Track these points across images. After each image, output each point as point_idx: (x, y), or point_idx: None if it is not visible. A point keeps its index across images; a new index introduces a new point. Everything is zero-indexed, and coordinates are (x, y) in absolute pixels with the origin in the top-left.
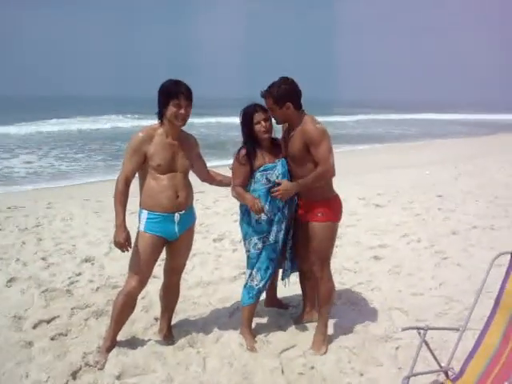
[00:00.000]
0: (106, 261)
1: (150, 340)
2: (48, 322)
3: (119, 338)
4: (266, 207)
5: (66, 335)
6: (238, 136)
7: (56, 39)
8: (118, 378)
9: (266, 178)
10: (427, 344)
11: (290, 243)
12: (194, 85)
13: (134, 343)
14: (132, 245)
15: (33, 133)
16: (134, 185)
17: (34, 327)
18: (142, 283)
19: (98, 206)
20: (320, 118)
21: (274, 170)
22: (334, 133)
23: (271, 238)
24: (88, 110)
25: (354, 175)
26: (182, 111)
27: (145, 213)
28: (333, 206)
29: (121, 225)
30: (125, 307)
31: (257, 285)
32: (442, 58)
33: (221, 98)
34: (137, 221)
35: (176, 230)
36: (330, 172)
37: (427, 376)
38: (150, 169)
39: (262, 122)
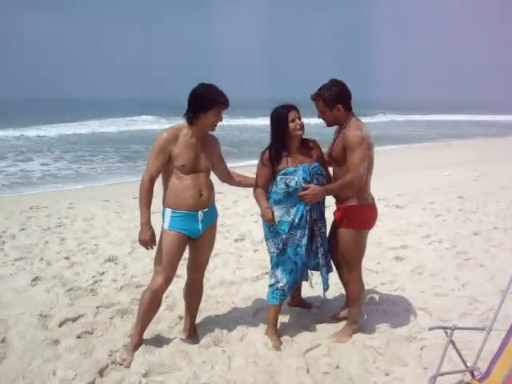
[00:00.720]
0: (129, 260)
1: (175, 338)
2: (73, 320)
3: (145, 336)
4: (276, 214)
5: (92, 333)
6: (251, 137)
7: (69, 41)
8: (145, 375)
9: (285, 183)
10: (454, 344)
11: (321, 250)
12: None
13: (159, 342)
14: (156, 243)
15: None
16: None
17: (60, 325)
18: (168, 281)
19: (119, 206)
20: None
21: (295, 174)
22: None
23: (293, 241)
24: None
25: (373, 176)
26: (221, 120)
27: (169, 211)
28: (361, 215)
29: (146, 223)
30: (151, 305)
31: (282, 287)
32: (457, 58)
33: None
34: (158, 220)
35: (200, 227)
36: (358, 180)
37: (453, 376)
38: (174, 168)
39: (297, 120)
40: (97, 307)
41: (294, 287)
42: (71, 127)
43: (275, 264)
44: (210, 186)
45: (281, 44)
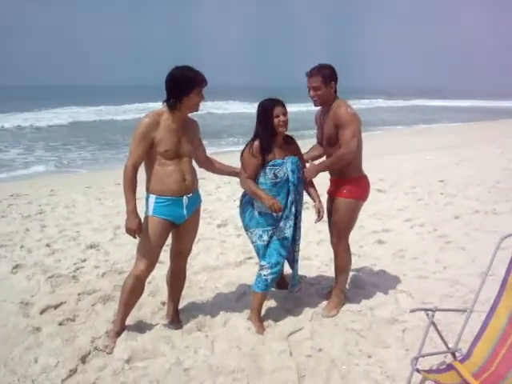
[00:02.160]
0: (111, 247)
1: (157, 324)
2: (55, 307)
3: (127, 322)
4: (261, 205)
5: (74, 320)
6: (230, 125)
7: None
8: (128, 361)
9: (274, 174)
10: (435, 325)
11: (298, 243)
12: None
13: (142, 328)
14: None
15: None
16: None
17: (42, 313)
18: (151, 266)
19: (100, 193)
20: None
21: (283, 166)
22: None
23: (278, 233)
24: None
25: None
26: (203, 99)
27: (153, 197)
28: (359, 185)
29: (132, 211)
30: (134, 291)
31: (265, 276)
32: (440, 45)
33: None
34: (139, 206)
35: (184, 212)
36: (349, 155)
37: (435, 357)
38: (157, 154)
39: (282, 116)
40: (78, 294)
41: (278, 277)
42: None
43: (262, 256)
44: (193, 171)
45: (265, 31)
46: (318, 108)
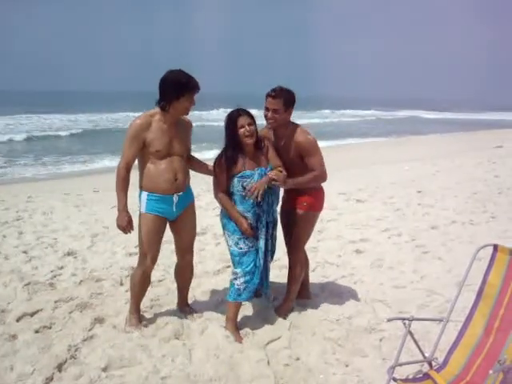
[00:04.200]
0: (89, 254)
1: (134, 332)
2: (31, 314)
3: (103, 330)
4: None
5: (51, 328)
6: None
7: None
8: (104, 370)
9: (242, 185)
10: (412, 334)
11: (272, 254)
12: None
13: (118, 336)
14: (137, 227)
15: None
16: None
17: (18, 320)
18: (154, 259)
19: (79, 200)
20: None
21: (251, 178)
22: (317, 129)
23: (254, 243)
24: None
25: (334, 170)
26: (194, 105)
27: (145, 194)
28: (317, 198)
29: (123, 209)
30: (142, 284)
31: (238, 286)
32: (426, 57)
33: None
34: (117, 213)
35: (174, 210)
36: (324, 178)
37: (411, 366)
38: (149, 154)
39: (247, 127)
40: (55, 301)
41: (252, 290)
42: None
43: (235, 260)
44: (185, 169)
45: (243, 39)
46: (265, 128)
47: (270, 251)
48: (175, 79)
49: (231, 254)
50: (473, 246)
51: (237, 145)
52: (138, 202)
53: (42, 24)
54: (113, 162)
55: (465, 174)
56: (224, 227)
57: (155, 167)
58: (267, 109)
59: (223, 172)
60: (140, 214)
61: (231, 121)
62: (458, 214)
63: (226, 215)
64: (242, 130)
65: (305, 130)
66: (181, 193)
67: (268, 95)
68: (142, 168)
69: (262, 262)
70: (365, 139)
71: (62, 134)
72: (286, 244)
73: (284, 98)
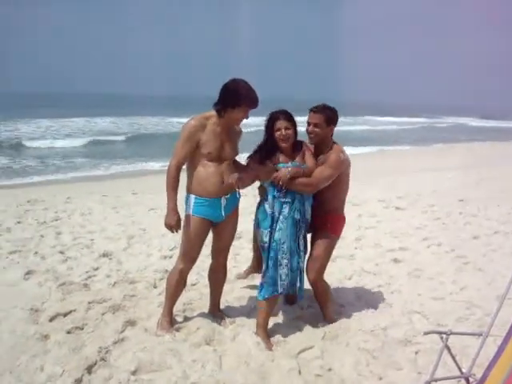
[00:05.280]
0: (124, 256)
1: (166, 336)
2: (64, 315)
3: (133, 334)
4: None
5: (82, 329)
6: None
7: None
8: (134, 373)
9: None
10: (449, 349)
11: (302, 254)
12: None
13: (149, 339)
14: (182, 228)
15: None
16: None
17: (51, 320)
18: (192, 262)
19: (117, 201)
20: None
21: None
22: (354, 136)
23: (273, 235)
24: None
25: (374, 177)
26: (247, 118)
27: (192, 197)
28: (339, 223)
29: (173, 208)
30: (178, 285)
31: (267, 283)
32: (455, 61)
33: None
34: (154, 216)
35: (222, 213)
36: (313, 190)
37: (447, 381)
38: (200, 156)
39: (283, 130)
40: (89, 302)
41: (287, 286)
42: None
43: (268, 259)
44: (232, 173)
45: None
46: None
47: (302, 251)
48: (236, 88)
49: (265, 251)
50: None
51: (273, 145)
52: (183, 204)
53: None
54: (151, 165)
55: (508, 184)
56: (257, 224)
57: (204, 170)
58: (309, 123)
59: (256, 163)
60: (186, 216)
61: (269, 122)
62: (501, 224)
63: (262, 210)
64: (277, 133)
65: (341, 149)
66: (228, 195)
67: (310, 110)
68: (191, 171)
69: (291, 258)
70: (407, 146)
71: (101, 138)
72: (307, 269)
73: (326, 115)
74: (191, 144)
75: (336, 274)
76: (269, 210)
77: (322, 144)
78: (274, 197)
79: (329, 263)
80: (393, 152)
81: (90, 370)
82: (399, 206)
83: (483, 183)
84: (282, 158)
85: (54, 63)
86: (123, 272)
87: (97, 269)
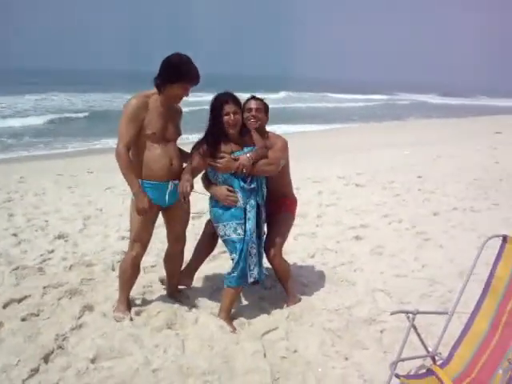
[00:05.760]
0: (80, 238)
1: (125, 321)
2: (19, 301)
3: (91, 319)
4: (239, 194)
5: (38, 315)
6: None
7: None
8: (93, 361)
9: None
10: (415, 328)
11: (263, 238)
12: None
13: (109, 325)
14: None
15: None
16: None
17: (4, 307)
18: (144, 247)
19: (72, 181)
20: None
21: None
22: (315, 112)
23: (247, 227)
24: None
25: (332, 154)
26: (187, 95)
27: (139, 182)
28: (293, 204)
29: (139, 191)
30: (132, 272)
31: (238, 271)
32: (419, 38)
33: None
34: (111, 195)
35: (166, 198)
36: (276, 166)
37: (413, 360)
38: (144, 138)
39: (231, 115)
40: (44, 287)
41: (257, 274)
42: None
43: (234, 247)
44: (179, 156)
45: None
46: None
47: (262, 236)
48: (176, 63)
49: (230, 241)
50: (475, 234)
51: (220, 131)
52: (128, 188)
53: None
54: (106, 142)
55: (465, 160)
56: (219, 219)
57: (150, 153)
58: (250, 109)
59: (202, 159)
60: (132, 201)
61: (216, 106)
62: (459, 200)
63: (218, 205)
64: (226, 118)
65: (277, 134)
66: (176, 181)
67: (250, 99)
68: (136, 154)
69: (256, 244)
70: (364, 123)
71: (53, 117)
72: (266, 248)
73: (264, 103)
74: (136, 124)
75: (298, 253)
76: (241, 203)
77: (261, 131)
78: (241, 188)
79: (291, 241)
80: (349, 129)
81: (46, 358)
82: (359, 182)
83: (440, 160)
84: (233, 146)
85: None
86: (80, 254)
87: (52, 251)
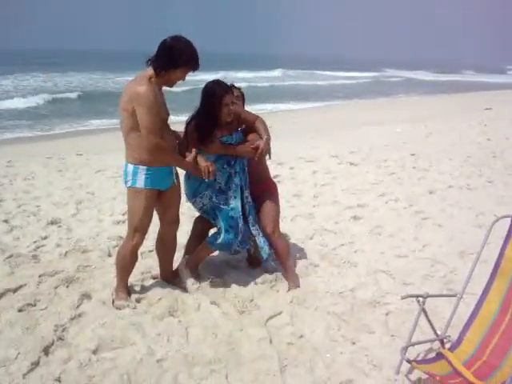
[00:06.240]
0: (74, 222)
1: (126, 309)
2: (14, 291)
3: (90, 308)
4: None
5: (35, 305)
6: None
7: None
8: (95, 352)
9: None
10: (425, 312)
11: (250, 218)
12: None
13: (109, 314)
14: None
15: None
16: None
17: (0, 297)
18: (145, 235)
19: (61, 164)
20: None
21: (231, 141)
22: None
23: (225, 201)
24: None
25: (323, 132)
26: (183, 80)
27: (143, 169)
28: (274, 185)
29: (194, 162)
30: (131, 260)
31: (220, 239)
32: (406, 14)
33: None
34: (102, 178)
35: (174, 179)
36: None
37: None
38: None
39: (230, 106)
40: (39, 276)
41: (238, 246)
42: None
43: (212, 214)
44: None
45: None
46: None
47: (251, 216)
48: (183, 48)
49: (207, 209)
50: (473, 212)
51: (214, 120)
52: (124, 175)
53: None
54: (91, 123)
55: (457, 137)
56: (195, 192)
57: (163, 138)
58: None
59: (193, 143)
60: (133, 189)
61: (215, 95)
62: (454, 178)
63: (195, 179)
64: (225, 109)
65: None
66: None
67: (233, 87)
68: (135, 139)
69: (236, 223)
70: (354, 100)
71: (44, 96)
72: (263, 227)
73: (243, 95)
74: (158, 112)
75: (297, 234)
76: (220, 180)
77: (237, 116)
78: (223, 169)
79: (288, 222)
80: (338, 107)
81: (46, 351)
82: (353, 161)
83: (432, 137)
84: (223, 131)
85: None
86: (74, 240)
87: (45, 238)
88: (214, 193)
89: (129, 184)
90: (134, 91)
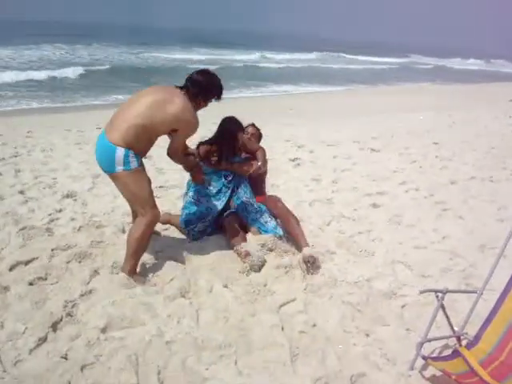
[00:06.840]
0: (89, 197)
1: (137, 288)
2: (26, 263)
3: (101, 285)
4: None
5: (46, 279)
6: None
7: None
8: (104, 331)
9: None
10: (444, 308)
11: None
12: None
13: (120, 292)
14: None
15: None
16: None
17: (11, 269)
18: (158, 211)
19: (80, 137)
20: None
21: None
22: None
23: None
24: None
25: (346, 116)
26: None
27: (131, 152)
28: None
29: (199, 166)
30: (147, 237)
31: (184, 217)
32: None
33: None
34: None
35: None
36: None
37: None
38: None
39: (241, 140)
40: (52, 249)
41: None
42: None
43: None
44: None
45: None
46: None
47: (243, 210)
48: (218, 85)
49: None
50: (495, 206)
51: (231, 147)
52: (109, 161)
53: None
54: (115, 97)
55: (481, 128)
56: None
57: (153, 141)
58: (247, 133)
59: (206, 162)
60: (128, 172)
61: (234, 130)
62: (477, 169)
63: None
64: (245, 137)
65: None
66: None
67: (249, 125)
68: (143, 135)
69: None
70: (380, 86)
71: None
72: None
73: (259, 131)
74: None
75: (314, 219)
76: (212, 187)
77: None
78: (219, 181)
79: (306, 207)
80: (365, 91)
81: (55, 327)
82: (374, 147)
83: (456, 126)
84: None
85: None
86: (89, 215)
87: (60, 211)
88: (195, 192)
89: (121, 168)
90: (186, 118)
